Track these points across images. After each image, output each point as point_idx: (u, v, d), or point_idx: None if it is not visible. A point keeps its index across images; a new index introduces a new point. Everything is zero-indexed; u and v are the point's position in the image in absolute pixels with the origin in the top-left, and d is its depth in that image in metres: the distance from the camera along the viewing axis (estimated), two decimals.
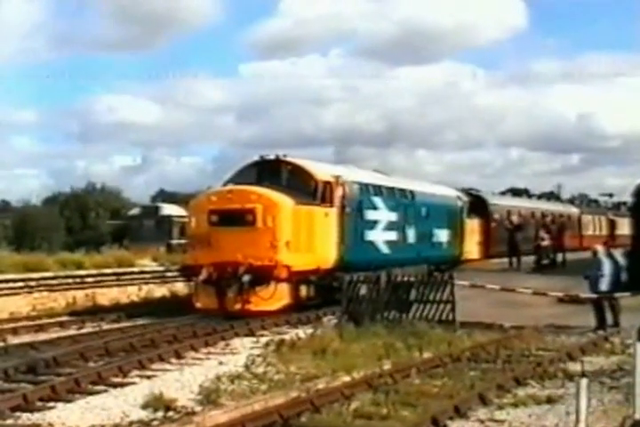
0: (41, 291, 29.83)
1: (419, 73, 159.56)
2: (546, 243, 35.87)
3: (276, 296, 23.18)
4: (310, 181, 25.55)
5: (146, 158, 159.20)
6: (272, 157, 26.15)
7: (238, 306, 23.01)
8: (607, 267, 20.47)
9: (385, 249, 29.57)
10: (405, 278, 22.11)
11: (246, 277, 22.77)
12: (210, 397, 12.98)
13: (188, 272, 25.15)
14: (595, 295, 20.27)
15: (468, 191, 42.07)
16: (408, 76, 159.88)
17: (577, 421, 8.89)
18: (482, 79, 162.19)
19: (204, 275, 23.35)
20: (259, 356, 16.79)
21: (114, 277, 33.86)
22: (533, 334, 19.03)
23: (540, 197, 72.64)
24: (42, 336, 20.22)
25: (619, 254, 21.67)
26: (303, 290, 24.34)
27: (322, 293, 25.19)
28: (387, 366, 15.24)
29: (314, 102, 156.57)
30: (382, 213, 29.51)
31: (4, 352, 17.68)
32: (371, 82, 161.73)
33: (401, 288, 21.66)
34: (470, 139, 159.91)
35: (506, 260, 36.80)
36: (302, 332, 19.92)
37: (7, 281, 31.57)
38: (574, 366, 15.03)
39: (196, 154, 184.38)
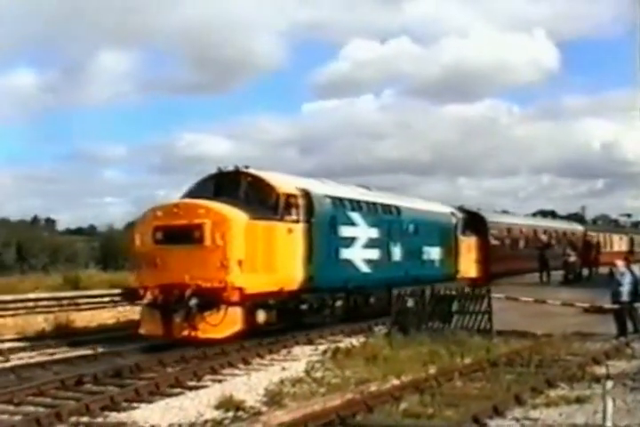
0: (124, 305, 30.11)
1: (461, 110, 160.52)
2: (572, 259, 35.54)
3: (225, 322, 18.85)
4: (271, 194, 20.97)
5: None
6: (231, 168, 21.65)
7: (186, 332, 19.00)
8: (627, 280, 20.35)
9: (365, 268, 24.90)
10: (447, 292, 21.98)
11: (193, 301, 18.72)
12: (274, 398, 12.99)
13: (131, 295, 21.11)
14: (616, 306, 20.17)
15: (463, 209, 36.34)
16: (452, 112, 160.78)
17: (604, 419, 8.84)
18: (517, 114, 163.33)
19: (148, 298, 19.47)
20: (317, 362, 16.76)
21: None
22: (562, 341, 18.85)
23: (567, 217, 72.11)
24: (126, 346, 20.31)
25: (637, 269, 21.52)
26: (261, 315, 19.80)
27: (286, 317, 21.04)
28: (432, 370, 15.13)
29: (368, 136, 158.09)
30: (361, 230, 24.82)
31: (93, 359, 17.84)
32: (419, 118, 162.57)
33: (443, 301, 21.54)
34: (506, 167, 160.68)
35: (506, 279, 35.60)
36: (355, 340, 19.87)
37: (95, 296, 32.06)
38: (600, 370, 14.88)
39: None
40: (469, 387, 13.70)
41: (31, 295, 33.59)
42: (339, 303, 23.29)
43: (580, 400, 12.42)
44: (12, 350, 19.34)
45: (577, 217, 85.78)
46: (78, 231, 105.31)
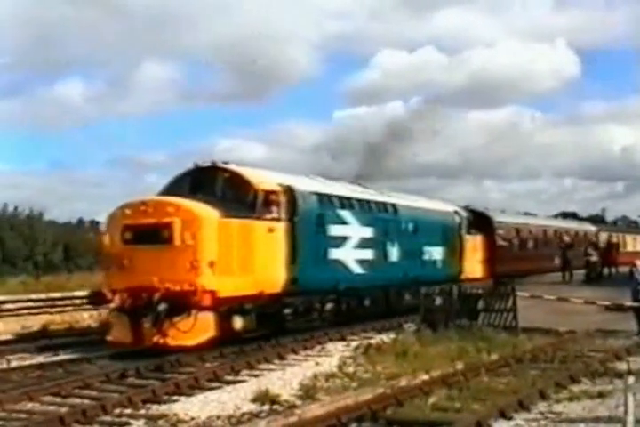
0: None
1: (486, 116, 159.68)
2: (594, 259, 35.17)
3: (196, 328, 16.72)
4: (249, 190, 18.87)
5: None
6: (208, 164, 19.61)
7: (155, 339, 16.88)
8: None
9: (358, 269, 22.67)
10: (474, 291, 21.90)
11: (162, 306, 16.63)
12: (308, 392, 12.99)
13: (98, 299, 18.64)
14: (637, 304, 20.04)
15: (469, 208, 34.04)
16: (477, 118, 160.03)
17: (625, 413, 8.72)
18: (539, 120, 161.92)
19: (116, 302, 17.44)
20: (349, 358, 16.74)
21: None
22: (585, 338, 18.78)
23: (588, 219, 71.53)
24: None
25: None
26: (237, 320, 17.63)
27: (267, 322, 18.84)
28: (459, 366, 15.06)
29: (397, 141, 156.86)
30: (353, 229, 22.54)
31: (136, 355, 17.90)
32: (446, 124, 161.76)
33: (470, 299, 21.44)
34: (529, 170, 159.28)
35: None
36: (386, 337, 19.83)
37: None
38: (621, 365, 14.81)
39: None
40: (496, 382, 13.60)
41: (78, 293, 33.77)
42: (329, 306, 21.52)
43: (602, 395, 12.31)
44: (60, 346, 19.48)
45: (598, 218, 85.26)
46: None
